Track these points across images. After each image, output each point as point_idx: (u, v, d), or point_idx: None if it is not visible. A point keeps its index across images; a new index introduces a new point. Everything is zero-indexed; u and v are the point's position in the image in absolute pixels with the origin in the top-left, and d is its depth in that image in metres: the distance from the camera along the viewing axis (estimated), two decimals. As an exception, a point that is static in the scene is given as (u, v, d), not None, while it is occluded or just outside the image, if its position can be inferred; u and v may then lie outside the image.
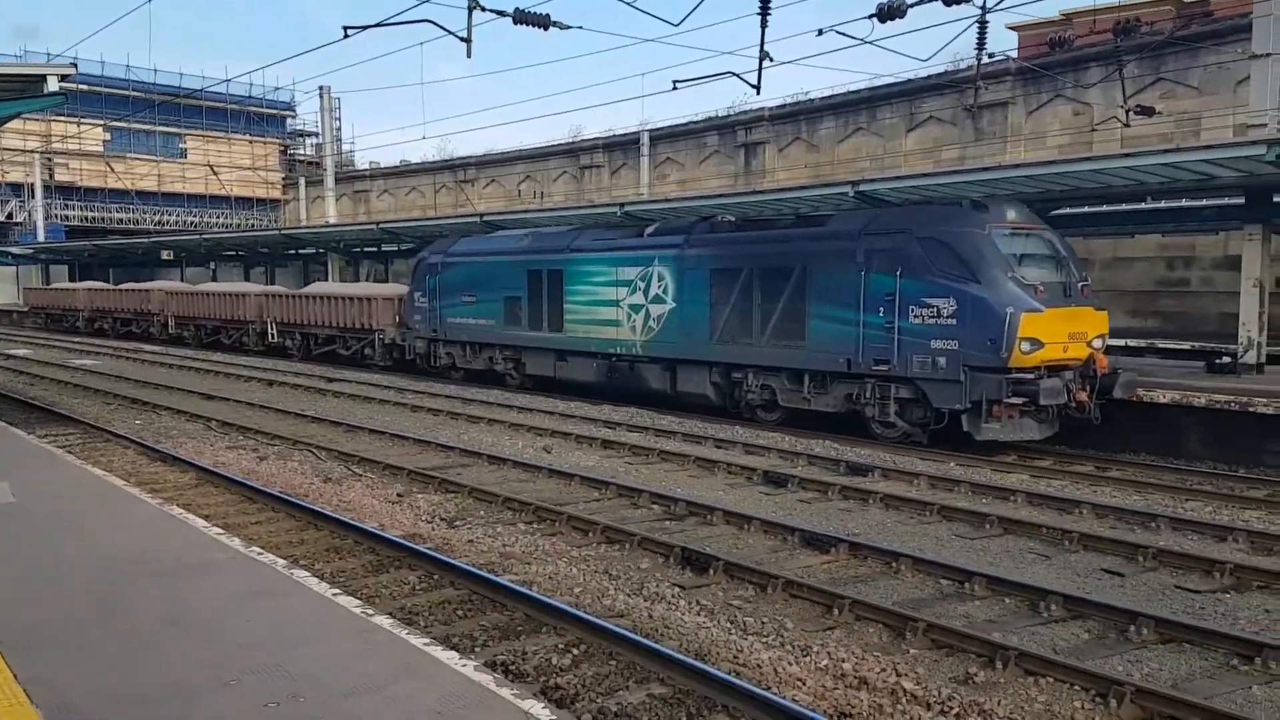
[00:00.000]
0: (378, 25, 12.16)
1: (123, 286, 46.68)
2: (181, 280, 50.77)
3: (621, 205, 24.75)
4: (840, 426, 17.17)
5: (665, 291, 19.78)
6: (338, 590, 7.14)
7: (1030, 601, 8.32)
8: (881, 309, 15.90)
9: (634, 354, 20.71)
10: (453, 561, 8.92)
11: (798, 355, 17.38)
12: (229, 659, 5.61)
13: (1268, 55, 19.12)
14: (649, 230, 21.08)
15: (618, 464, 14.96)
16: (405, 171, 59.79)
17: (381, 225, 34.12)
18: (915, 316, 15.50)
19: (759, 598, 8.51)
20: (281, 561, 7.83)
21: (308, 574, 7.53)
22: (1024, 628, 7.83)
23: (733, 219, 20.26)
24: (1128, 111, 18.93)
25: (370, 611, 6.57)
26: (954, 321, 15.05)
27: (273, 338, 33.75)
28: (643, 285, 20.23)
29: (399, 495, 12.45)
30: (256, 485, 12.47)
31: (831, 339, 16.76)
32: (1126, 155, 15.87)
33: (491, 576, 8.49)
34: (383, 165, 62.72)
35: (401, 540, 9.66)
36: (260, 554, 7.93)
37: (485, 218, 28.85)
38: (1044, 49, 24.01)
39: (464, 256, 25.77)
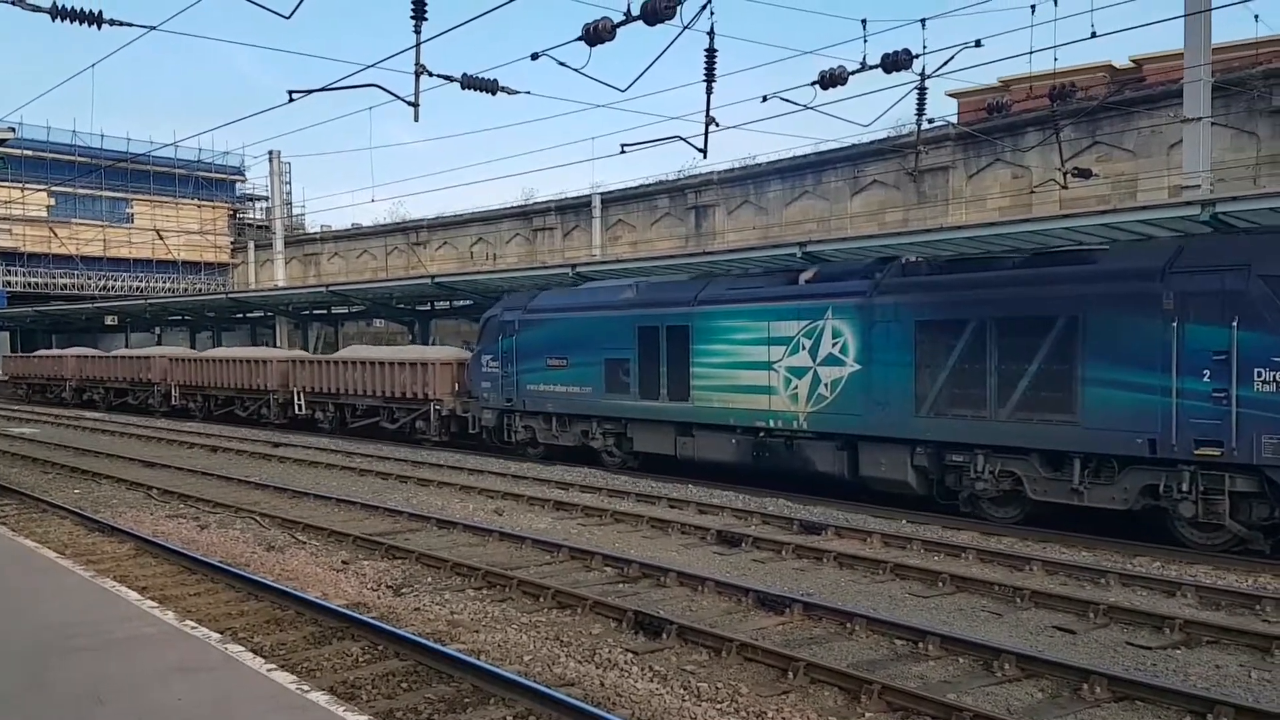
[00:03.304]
0: (323, 89, 12.14)
1: (117, 353, 43.00)
2: (126, 345, 49.84)
3: (573, 266, 24.85)
4: (1117, 527, 13.46)
5: (843, 350, 15.96)
6: (273, 665, 6.89)
7: (984, 661, 8.26)
8: (1207, 372, 12.15)
9: (794, 429, 16.75)
10: (398, 631, 8.68)
11: (1063, 433, 13.39)
12: (156, 739, 5.35)
13: (1198, 119, 19.80)
14: (806, 276, 17.37)
15: (570, 526, 14.78)
16: (356, 234, 59.61)
17: (331, 288, 33.92)
18: (1265, 382, 11.77)
19: (713, 661, 8.37)
20: (215, 635, 7.56)
21: (242, 648, 7.27)
22: (979, 688, 7.76)
23: (920, 259, 16.56)
24: (1065, 174, 19.48)
25: (306, 687, 6.33)
26: None
27: (300, 409, 29.95)
28: (808, 343, 16.44)
29: (344, 563, 12.15)
30: (196, 555, 12.11)
31: (1122, 412, 12.84)
32: (1066, 216, 16.23)
33: (438, 646, 8.26)
34: (334, 228, 62.51)
35: (345, 610, 9.40)
36: (194, 627, 7.66)
37: (436, 279, 28.76)
38: (983, 115, 24.70)
39: (549, 312, 21.83)
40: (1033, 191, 26.72)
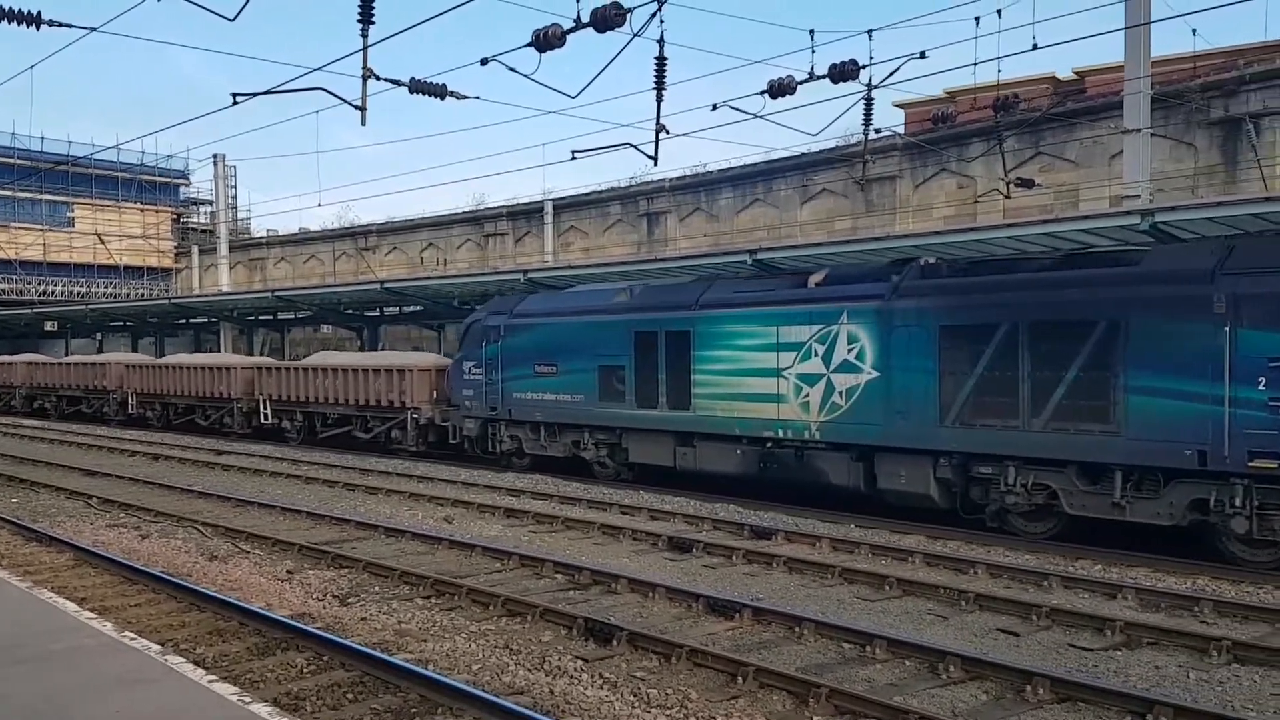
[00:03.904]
0: (268, 92, 11.99)
1: (69, 359, 41.14)
2: (67, 351, 48.67)
3: (525, 271, 24.78)
4: (1156, 542, 12.72)
5: (860, 356, 15.16)
6: (215, 676, 6.77)
7: (930, 664, 8.36)
8: (1263, 379, 11.47)
9: (804, 439, 15.98)
10: (343, 641, 8.57)
11: (1103, 444, 12.70)
12: (92, 755, 5.23)
13: (1138, 130, 20.26)
14: (816, 279, 16.48)
15: (521, 533, 14.72)
16: (304, 239, 58.86)
17: (277, 293, 33.45)
18: None
19: (663, 668, 8.38)
20: (156, 647, 7.41)
21: (183, 660, 7.13)
22: (924, 690, 7.84)
23: (940, 260, 15.76)
24: (1009, 184, 19.83)
25: (248, 699, 6.23)
26: None
27: (266, 418, 28.70)
28: (821, 349, 15.64)
29: (289, 572, 11.99)
30: (137, 565, 11.87)
31: (1169, 422, 12.14)
32: (1009, 225, 16.52)
33: (384, 656, 8.17)
34: (280, 233, 61.70)
35: (289, 620, 9.27)
36: (133, 639, 7.50)
37: (386, 284, 28.50)
38: (929, 125, 25.04)
39: (537, 317, 20.90)
40: (977, 201, 27.12)
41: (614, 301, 19.53)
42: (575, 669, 8.22)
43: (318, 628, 9.12)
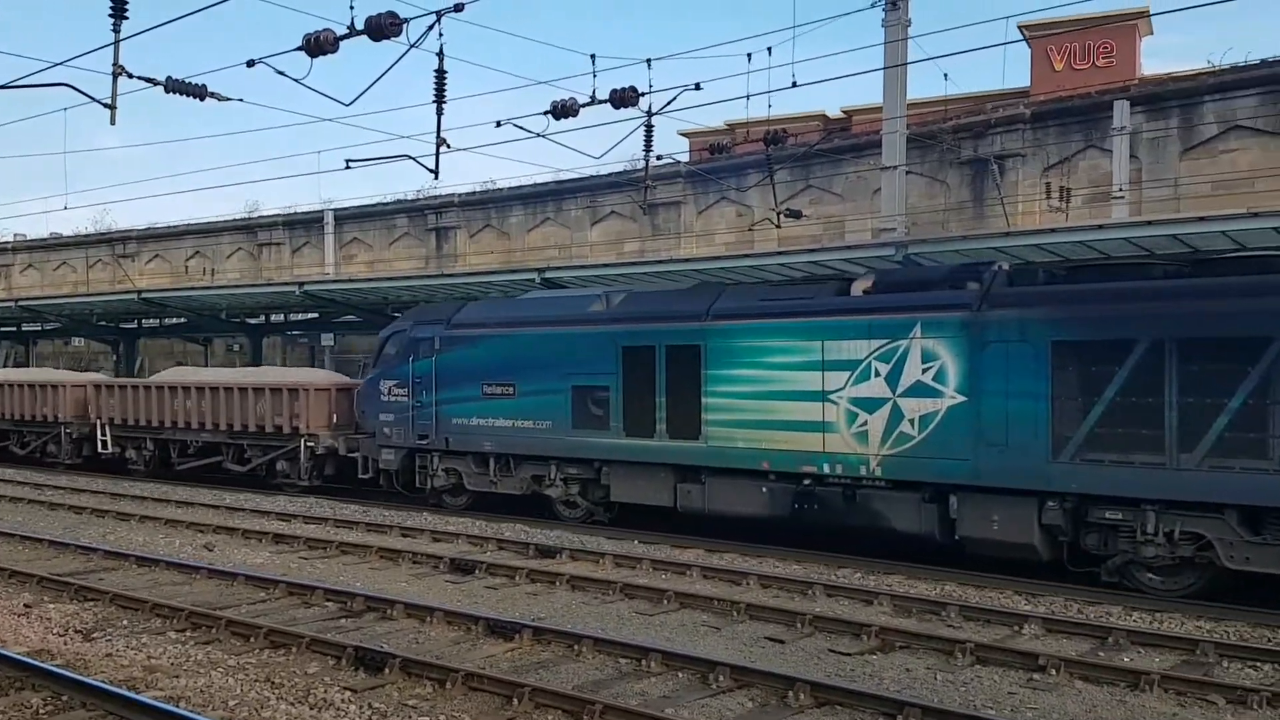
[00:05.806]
0: (4, 87, 10.99)
1: None
2: None
3: (301, 284, 23.86)
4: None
5: (939, 377, 12.80)
6: (-73, 726, 6.09)
7: (701, 674, 8.58)
8: None
9: (859, 475, 13.49)
10: (85, 679, 7.95)
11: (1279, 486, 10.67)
12: None
13: (895, 168, 21.75)
14: (863, 285, 14.11)
15: (291, 560, 14.10)
16: (54, 245, 54.30)
17: (21, 302, 30.69)
18: None
19: (437, 694, 8.20)
20: None
21: (-112, 709, 6.37)
22: (695, 700, 8.05)
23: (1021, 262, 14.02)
24: (779, 214, 20.81)
25: (-34, 748, 5.64)
26: None
27: (105, 446, 24.29)
28: (884, 368, 13.22)
29: (26, 606, 11.03)
30: None
31: None
32: (780, 253, 17.41)
33: (129, 694, 7.63)
34: (28, 238, 56.66)
35: (25, 658, 8.51)
36: None
37: (143, 294, 26.67)
38: (709, 154, 25.89)
39: (486, 328, 17.64)
40: (752, 229, 28.29)
41: (590, 310, 16.66)
42: (342, 700, 7.92)
43: (57, 665, 8.44)
